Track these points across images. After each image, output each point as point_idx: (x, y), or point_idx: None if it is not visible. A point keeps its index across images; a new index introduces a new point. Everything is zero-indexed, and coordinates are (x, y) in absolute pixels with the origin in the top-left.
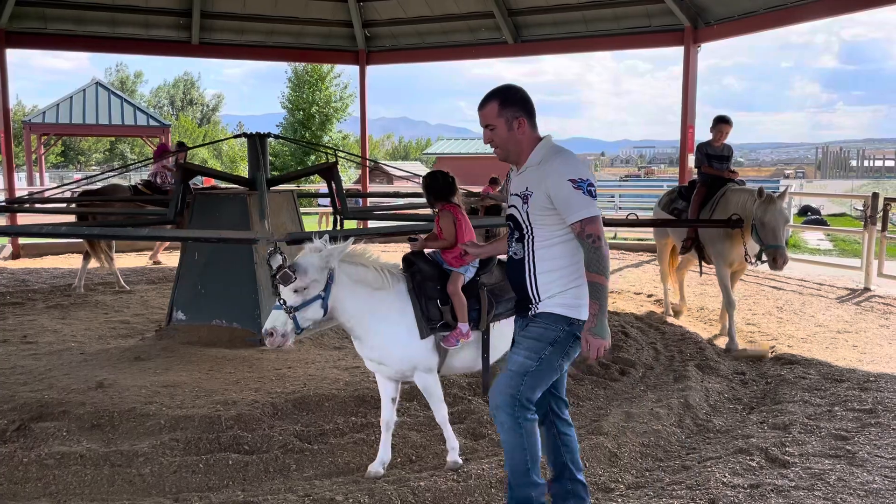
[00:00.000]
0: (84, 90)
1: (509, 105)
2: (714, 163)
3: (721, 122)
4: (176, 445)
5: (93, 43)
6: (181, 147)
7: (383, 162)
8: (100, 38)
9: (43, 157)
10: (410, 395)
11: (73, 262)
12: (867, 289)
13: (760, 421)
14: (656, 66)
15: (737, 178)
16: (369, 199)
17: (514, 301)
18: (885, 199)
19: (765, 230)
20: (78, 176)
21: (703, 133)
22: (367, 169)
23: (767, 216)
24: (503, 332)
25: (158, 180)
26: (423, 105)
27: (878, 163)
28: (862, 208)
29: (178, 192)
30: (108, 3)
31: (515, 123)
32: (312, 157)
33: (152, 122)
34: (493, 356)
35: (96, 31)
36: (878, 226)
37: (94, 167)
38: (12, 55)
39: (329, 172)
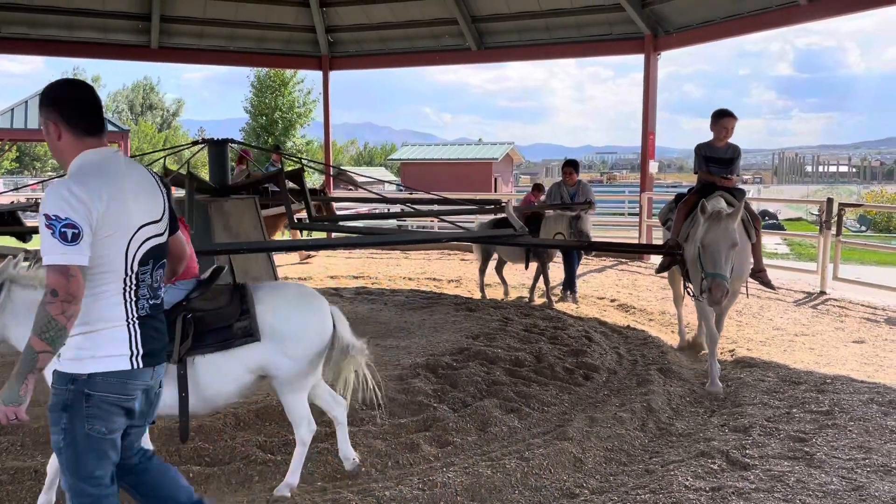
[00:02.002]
0: (39, 95)
1: (43, 106)
2: (713, 167)
3: (721, 117)
4: None
5: (49, 47)
6: (276, 150)
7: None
8: (56, 41)
9: None
10: (374, 404)
11: None
12: (823, 292)
13: (721, 424)
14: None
15: (734, 185)
16: (334, 206)
17: (228, 332)
18: (840, 203)
19: (704, 254)
20: (33, 182)
21: (664, 139)
22: (331, 176)
23: (708, 237)
24: (219, 367)
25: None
26: (388, 111)
27: (833, 168)
28: (817, 213)
29: None
30: (64, 6)
31: (51, 128)
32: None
33: (111, 128)
34: (201, 395)
35: (52, 34)
36: (833, 230)
37: (49, 173)
38: None
39: (295, 179)
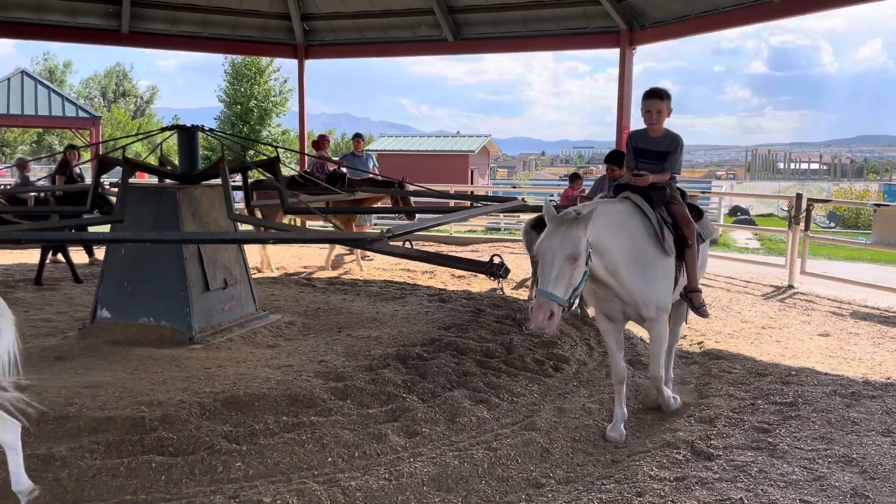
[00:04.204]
0: (9, 79)
1: None
2: (643, 161)
3: (644, 98)
4: (96, 448)
5: (16, 29)
6: (358, 137)
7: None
8: (24, 24)
9: None
10: (344, 394)
11: None
12: (791, 286)
13: (687, 415)
14: (595, 68)
15: (638, 181)
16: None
17: None
18: (809, 199)
19: (538, 267)
20: (2, 169)
21: None
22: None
23: (542, 245)
24: None
25: (317, 171)
26: (366, 102)
27: (805, 165)
28: (787, 209)
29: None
30: None
31: None
32: (251, 153)
33: (82, 114)
34: None
35: (20, 17)
36: (802, 225)
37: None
38: None
39: (270, 167)
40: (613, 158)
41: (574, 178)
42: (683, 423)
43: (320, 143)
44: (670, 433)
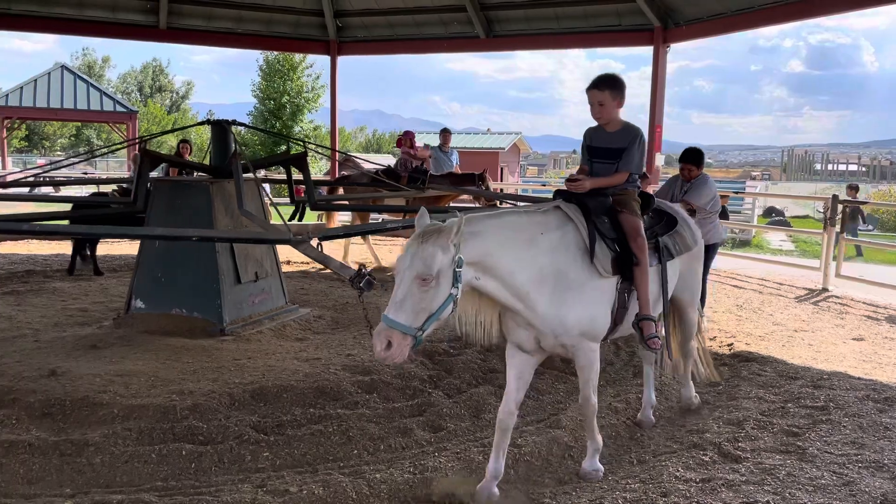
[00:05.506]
0: (49, 74)
1: None
2: (597, 160)
3: (588, 89)
4: (128, 435)
5: (58, 25)
6: (445, 132)
7: (354, 154)
8: (66, 19)
9: (6, 140)
10: (370, 388)
11: (32, 247)
12: (825, 289)
13: (715, 416)
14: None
15: (573, 187)
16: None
17: None
18: (844, 201)
19: None
20: (42, 161)
21: (674, 134)
22: (337, 161)
23: (395, 264)
24: None
25: (400, 167)
26: (398, 98)
27: (842, 167)
28: (822, 210)
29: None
30: None
31: None
32: (283, 147)
33: (119, 108)
34: None
35: (62, 13)
36: (837, 227)
37: (58, 152)
38: None
39: (298, 162)
40: (690, 157)
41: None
42: (711, 425)
43: (404, 139)
44: (697, 434)
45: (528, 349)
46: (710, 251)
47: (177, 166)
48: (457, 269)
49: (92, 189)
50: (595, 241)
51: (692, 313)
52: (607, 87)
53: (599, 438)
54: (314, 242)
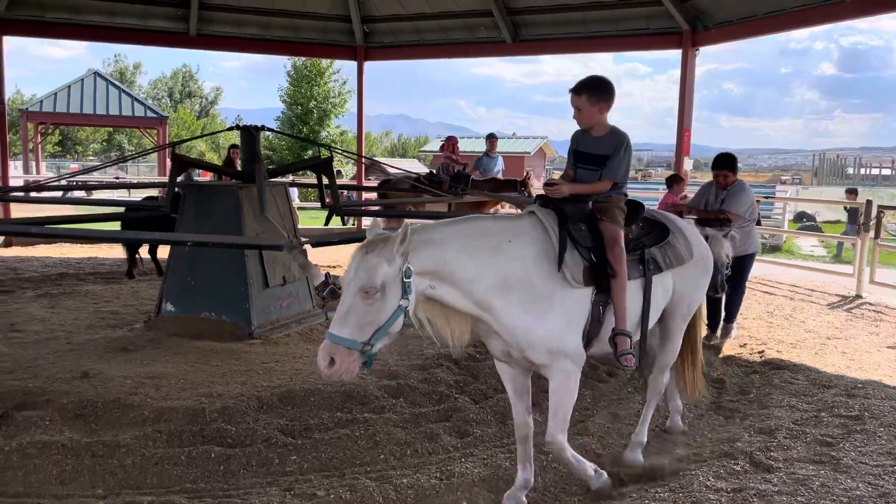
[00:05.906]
0: (82, 80)
1: None
2: (581, 166)
3: (570, 91)
4: (159, 437)
5: (90, 32)
6: (491, 137)
7: (380, 159)
8: (97, 27)
9: (40, 146)
10: (397, 393)
11: (66, 251)
12: (859, 296)
13: (747, 425)
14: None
15: (551, 192)
16: (364, 195)
17: None
18: (879, 206)
19: None
20: (75, 166)
21: (703, 138)
22: (364, 166)
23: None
24: None
25: (443, 172)
26: (423, 102)
27: (875, 171)
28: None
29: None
30: None
31: None
32: (310, 152)
33: (150, 114)
34: None
35: (93, 20)
36: (871, 233)
37: (91, 157)
38: (9, 43)
39: (324, 167)
40: (725, 163)
41: (674, 181)
42: (742, 434)
43: (446, 144)
44: (728, 443)
45: (504, 360)
46: (746, 261)
47: (208, 170)
48: (405, 280)
49: (123, 193)
50: (566, 248)
51: (681, 330)
52: (585, 91)
53: (588, 468)
54: (308, 248)
